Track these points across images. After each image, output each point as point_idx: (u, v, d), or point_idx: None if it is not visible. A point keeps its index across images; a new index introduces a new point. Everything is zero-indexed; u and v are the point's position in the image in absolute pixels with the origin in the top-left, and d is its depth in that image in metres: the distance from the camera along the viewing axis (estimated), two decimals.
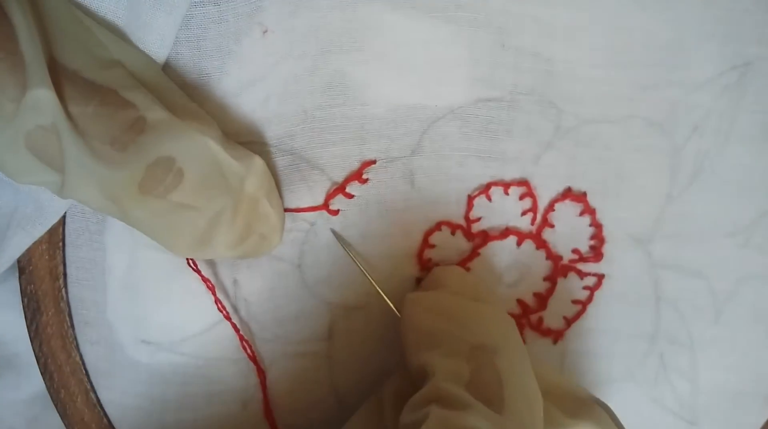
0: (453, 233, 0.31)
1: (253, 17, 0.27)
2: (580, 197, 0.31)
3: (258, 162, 0.26)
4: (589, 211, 0.32)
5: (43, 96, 0.22)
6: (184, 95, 0.26)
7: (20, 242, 0.28)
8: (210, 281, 0.29)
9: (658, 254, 0.34)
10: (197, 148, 0.24)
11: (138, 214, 0.24)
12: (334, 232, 0.30)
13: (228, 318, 0.30)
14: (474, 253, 0.31)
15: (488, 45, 0.29)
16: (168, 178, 0.24)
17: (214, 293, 0.29)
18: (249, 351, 0.30)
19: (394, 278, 0.31)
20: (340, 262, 0.30)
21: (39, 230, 0.28)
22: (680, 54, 0.31)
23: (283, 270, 0.30)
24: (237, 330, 0.30)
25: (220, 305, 0.29)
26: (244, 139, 0.28)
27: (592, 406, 0.30)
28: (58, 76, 0.23)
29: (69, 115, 0.23)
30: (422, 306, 0.28)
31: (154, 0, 0.25)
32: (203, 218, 0.25)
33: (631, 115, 0.31)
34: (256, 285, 0.30)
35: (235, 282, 0.30)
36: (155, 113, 0.24)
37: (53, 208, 0.28)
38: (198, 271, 0.29)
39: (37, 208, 0.28)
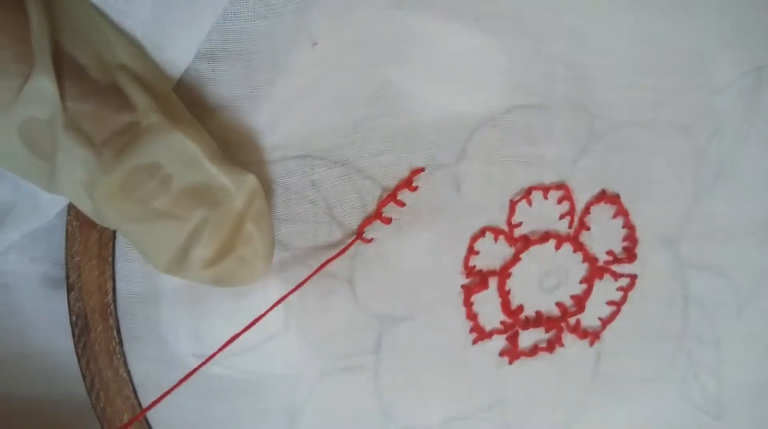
0: (496, 239, 0.32)
1: (302, 30, 0.27)
2: (615, 199, 0.32)
3: (251, 181, 0.25)
4: (623, 212, 0.33)
5: (44, 88, 0.22)
6: (184, 109, 0.26)
7: (8, 239, 0.28)
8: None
9: (685, 254, 0.35)
10: (187, 157, 0.24)
11: (114, 217, 0.24)
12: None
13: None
14: (516, 259, 0.32)
15: (525, 53, 0.30)
16: (152, 184, 0.24)
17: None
18: None
19: (441, 287, 0.31)
20: (390, 274, 0.30)
21: (30, 228, 0.28)
22: (700, 60, 0.32)
23: (335, 286, 0.30)
24: None
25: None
26: (294, 153, 0.28)
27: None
28: (62, 69, 0.23)
29: (66, 110, 0.23)
30: None
31: (181, 11, 0.25)
32: (183, 229, 0.24)
33: (658, 119, 0.32)
34: (307, 303, 0.30)
35: (287, 301, 0.30)
36: (152, 118, 0.24)
37: (50, 206, 0.28)
38: None
39: (34, 207, 0.28)
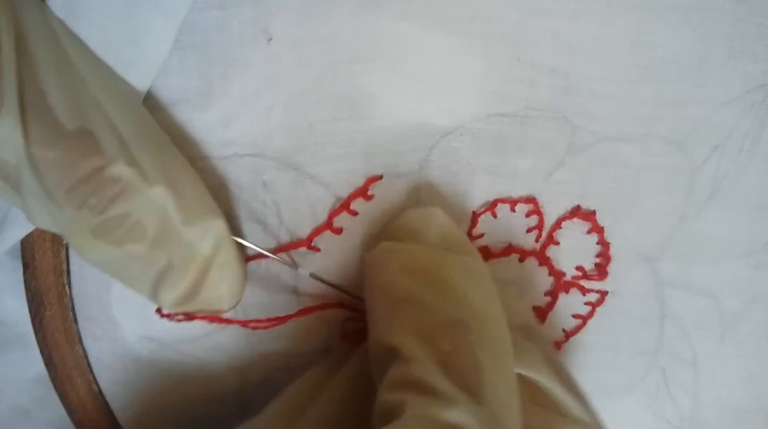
0: None
1: (257, 23, 0.26)
2: (589, 216, 0.31)
3: (218, 227, 0.26)
4: (597, 229, 0.31)
5: (9, 135, 0.22)
6: (166, 139, 0.26)
7: (14, 236, 0.28)
8: None
9: (666, 273, 0.33)
10: (153, 209, 0.24)
11: (93, 258, 0.25)
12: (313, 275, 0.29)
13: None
14: None
15: (503, 58, 0.28)
16: (120, 230, 0.24)
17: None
18: None
19: None
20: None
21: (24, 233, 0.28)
22: (706, 71, 0.30)
23: (281, 286, 0.30)
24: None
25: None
26: (246, 151, 0.28)
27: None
28: (30, 111, 0.22)
29: (31, 156, 0.22)
30: (397, 264, 0.26)
31: (153, 3, 0.24)
32: (152, 270, 0.25)
33: (650, 134, 0.30)
34: (254, 299, 0.30)
35: None
36: (119, 169, 0.23)
37: None
38: None
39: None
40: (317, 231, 0.29)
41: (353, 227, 0.29)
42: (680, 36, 0.29)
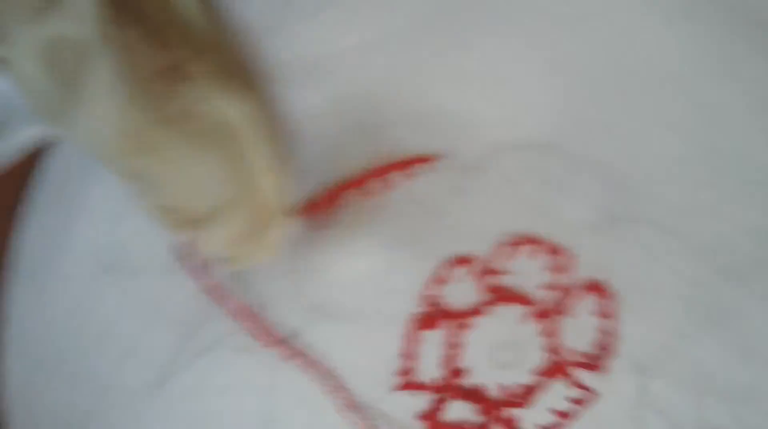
0: (470, 274, 0.27)
1: None
2: (608, 295, 0.28)
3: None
4: (610, 314, 0.29)
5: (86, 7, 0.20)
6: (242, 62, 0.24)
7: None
8: None
9: (653, 391, 0.30)
10: (244, 112, 0.23)
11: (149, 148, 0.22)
12: None
13: None
14: (477, 310, 0.28)
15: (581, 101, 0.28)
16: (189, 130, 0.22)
17: None
18: None
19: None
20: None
21: None
22: None
23: None
24: None
25: None
26: None
27: None
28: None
29: (104, 33, 0.20)
30: None
31: None
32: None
33: (683, 231, 0.29)
34: None
35: None
36: (201, 66, 0.22)
37: None
38: None
39: None
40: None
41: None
42: None
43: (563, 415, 0.29)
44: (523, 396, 0.29)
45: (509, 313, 0.28)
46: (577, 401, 0.29)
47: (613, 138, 0.28)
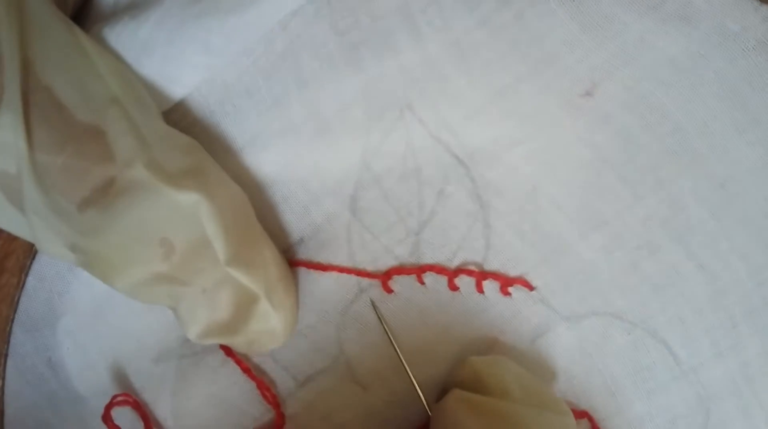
0: None
1: None
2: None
3: (268, 254, 0.23)
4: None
5: (9, 137, 0.19)
6: (191, 142, 0.23)
7: None
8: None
9: None
10: (182, 219, 0.21)
11: (120, 285, 0.21)
12: (374, 306, 0.26)
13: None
14: None
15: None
16: (152, 249, 0.21)
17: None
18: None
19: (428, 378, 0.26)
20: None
21: None
22: None
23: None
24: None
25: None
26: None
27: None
28: (35, 109, 0.20)
29: (35, 164, 0.19)
30: (475, 411, 0.23)
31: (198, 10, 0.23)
32: (179, 294, 0.22)
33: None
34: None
35: None
36: (136, 172, 0.20)
37: None
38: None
39: None
40: (371, 276, 0.26)
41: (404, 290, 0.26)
42: None
43: None
44: None
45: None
46: None
47: None
